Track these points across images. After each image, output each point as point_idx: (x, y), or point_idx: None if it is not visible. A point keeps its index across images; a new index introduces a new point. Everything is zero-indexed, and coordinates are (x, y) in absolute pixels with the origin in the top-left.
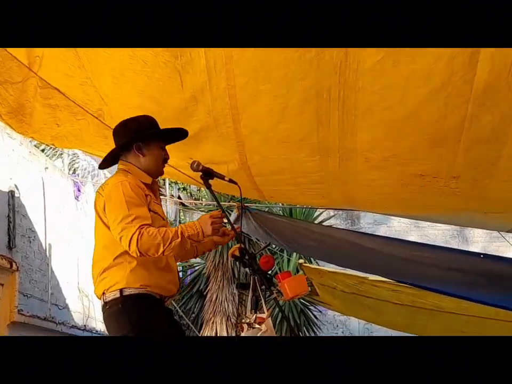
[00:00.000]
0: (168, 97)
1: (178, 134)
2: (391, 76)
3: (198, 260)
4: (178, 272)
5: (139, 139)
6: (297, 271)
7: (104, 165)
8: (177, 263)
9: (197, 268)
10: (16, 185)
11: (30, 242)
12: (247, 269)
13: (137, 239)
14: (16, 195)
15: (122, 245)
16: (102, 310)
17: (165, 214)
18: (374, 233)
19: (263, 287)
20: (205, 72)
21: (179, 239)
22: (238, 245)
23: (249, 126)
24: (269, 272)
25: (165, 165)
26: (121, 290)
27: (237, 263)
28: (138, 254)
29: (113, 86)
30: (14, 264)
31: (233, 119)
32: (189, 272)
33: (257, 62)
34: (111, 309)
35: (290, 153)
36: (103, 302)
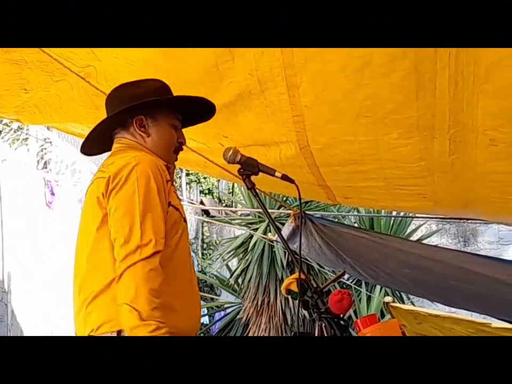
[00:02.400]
0: (189, 49)
1: (201, 107)
2: None
3: (231, 298)
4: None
5: (140, 109)
6: (382, 315)
7: (89, 148)
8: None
9: (229, 310)
10: None
11: None
12: (309, 312)
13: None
14: None
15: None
16: None
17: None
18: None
19: None
20: None
21: None
22: (295, 275)
23: (311, 92)
24: (343, 316)
25: (180, 151)
26: (118, 333)
27: (293, 302)
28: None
29: None
30: None
31: (287, 82)
32: (216, 316)
33: None
34: None
35: (374, 133)
36: None
